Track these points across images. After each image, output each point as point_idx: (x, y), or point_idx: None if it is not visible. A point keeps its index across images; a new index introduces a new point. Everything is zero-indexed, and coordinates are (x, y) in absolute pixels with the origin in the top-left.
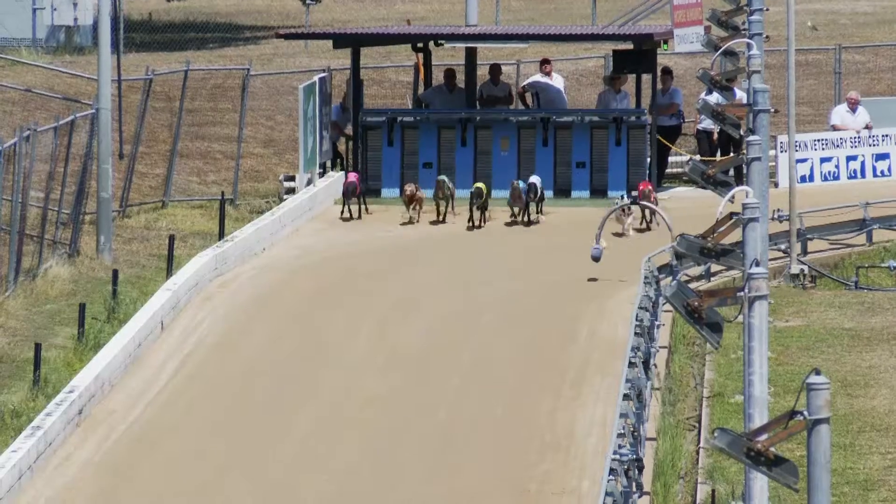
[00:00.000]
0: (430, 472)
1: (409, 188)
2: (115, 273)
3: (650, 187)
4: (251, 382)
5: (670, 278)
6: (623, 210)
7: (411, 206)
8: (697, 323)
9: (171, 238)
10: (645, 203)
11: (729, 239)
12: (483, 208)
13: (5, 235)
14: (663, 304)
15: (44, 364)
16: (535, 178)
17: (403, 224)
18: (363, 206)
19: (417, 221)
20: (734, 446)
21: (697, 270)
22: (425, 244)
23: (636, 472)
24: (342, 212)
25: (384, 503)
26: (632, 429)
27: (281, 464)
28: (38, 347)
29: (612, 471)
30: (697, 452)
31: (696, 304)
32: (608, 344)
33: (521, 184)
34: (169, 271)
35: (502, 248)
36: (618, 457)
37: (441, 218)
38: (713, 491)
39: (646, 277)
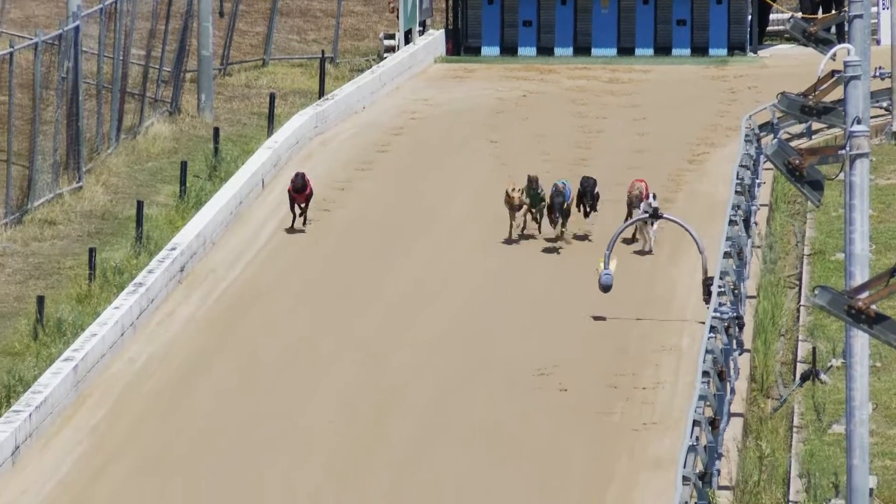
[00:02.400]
0: (526, 330)
1: (516, 193)
2: (217, 131)
3: (644, 183)
4: (349, 241)
5: (771, 136)
6: (644, 222)
7: (517, 213)
8: (798, 181)
9: (272, 96)
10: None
11: (830, 97)
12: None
13: (107, 93)
14: (764, 162)
15: (146, 221)
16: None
17: (508, 241)
18: (304, 214)
19: (522, 230)
20: (835, 304)
21: (798, 128)
22: (526, 102)
23: (736, 329)
24: (293, 222)
25: (480, 360)
26: (732, 286)
27: (377, 322)
28: (140, 205)
29: (712, 328)
30: (798, 310)
31: (798, 162)
32: (708, 202)
33: (566, 184)
34: (270, 129)
35: (600, 109)
36: (718, 314)
37: (523, 230)
38: (814, 348)
39: (746, 136)
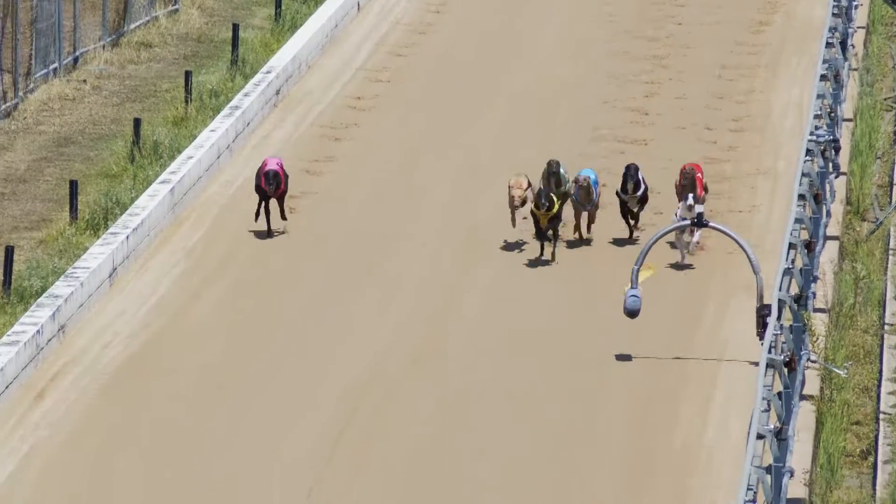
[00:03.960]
0: (620, 154)
1: (517, 191)
2: None
3: (700, 171)
4: (447, 66)
5: None
6: (685, 230)
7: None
8: (895, 3)
9: None
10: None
11: None
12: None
13: None
14: None
15: (241, 44)
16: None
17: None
18: (281, 211)
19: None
20: None
21: None
22: None
23: (833, 152)
24: (256, 212)
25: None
26: (828, 110)
27: (477, 143)
28: (235, 28)
29: (808, 151)
30: (895, 132)
31: None
32: (805, 24)
33: (591, 175)
34: None
35: None
36: (814, 137)
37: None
38: None
39: None
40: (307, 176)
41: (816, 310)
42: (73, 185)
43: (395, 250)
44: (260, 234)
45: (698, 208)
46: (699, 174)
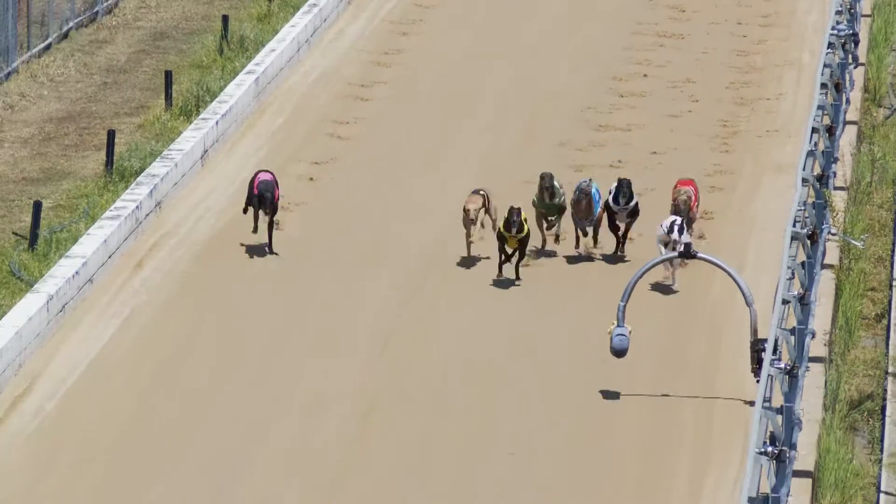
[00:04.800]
0: (665, 27)
1: (472, 206)
2: None
3: (693, 189)
4: None
5: None
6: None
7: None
8: None
9: None
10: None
11: None
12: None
13: None
14: None
15: None
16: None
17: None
18: (271, 229)
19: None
20: None
21: None
22: None
23: (852, 45)
24: (254, 227)
25: (622, 70)
26: (849, 6)
27: (532, 34)
28: None
29: (830, 44)
30: None
31: None
32: None
33: (593, 187)
34: None
35: None
36: (835, 32)
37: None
38: None
39: None
40: (378, 68)
41: (836, 188)
42: (168, 76)
43: (459, 134)
44: (333, 119)
45: (685, 238)
46: (693, 189)
